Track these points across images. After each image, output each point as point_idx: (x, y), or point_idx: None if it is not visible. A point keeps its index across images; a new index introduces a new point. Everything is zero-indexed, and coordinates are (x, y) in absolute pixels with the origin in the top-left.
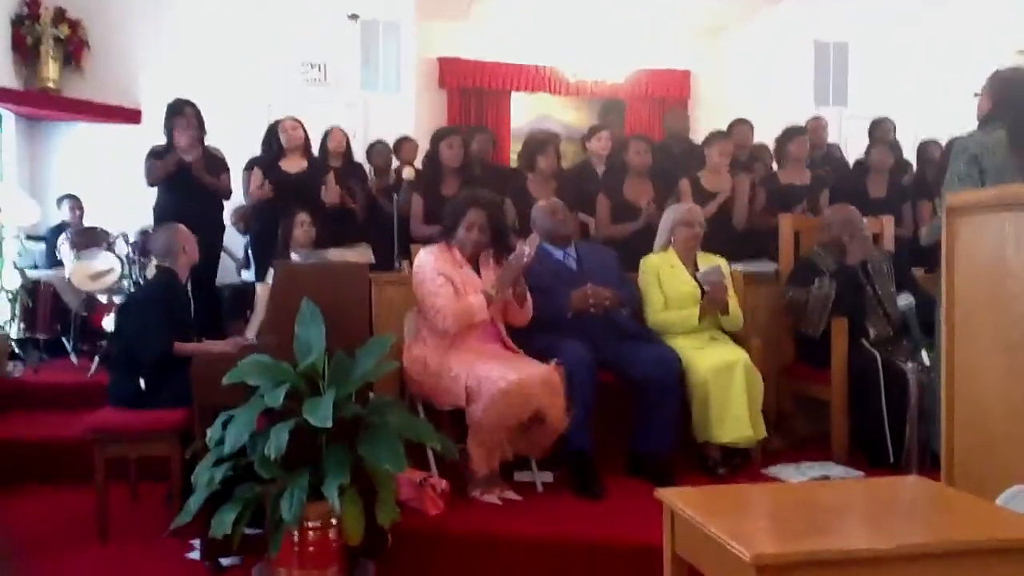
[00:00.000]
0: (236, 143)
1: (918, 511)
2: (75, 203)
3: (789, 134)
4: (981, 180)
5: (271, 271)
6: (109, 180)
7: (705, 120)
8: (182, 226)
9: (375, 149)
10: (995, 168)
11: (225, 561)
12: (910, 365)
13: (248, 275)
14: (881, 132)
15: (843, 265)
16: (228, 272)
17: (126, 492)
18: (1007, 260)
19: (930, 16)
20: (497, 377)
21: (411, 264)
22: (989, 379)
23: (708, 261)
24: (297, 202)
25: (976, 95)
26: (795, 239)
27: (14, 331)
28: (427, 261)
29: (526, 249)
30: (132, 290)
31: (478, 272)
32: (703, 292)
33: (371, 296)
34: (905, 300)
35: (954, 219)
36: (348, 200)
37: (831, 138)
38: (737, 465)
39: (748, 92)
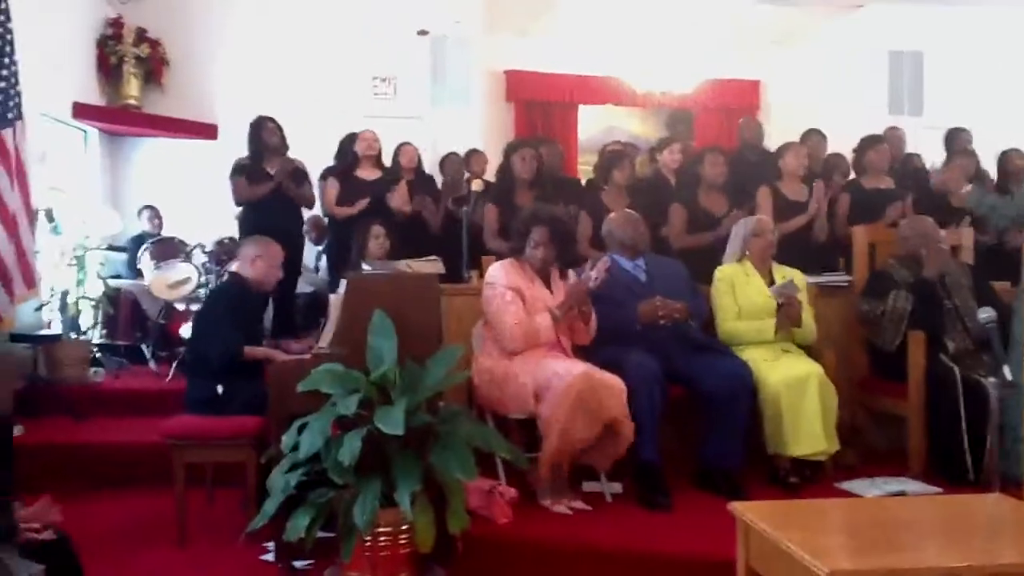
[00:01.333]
0: (306, 158)
1: (999, 529)
2: (154, 213)
3: (868, 142)
4: None
5: (343, 282)
6: (186, 193)
7: (774, 130)
8: (273, 243)
9: (447, 161)
10: None
11: (298, 564)
12: (991, 380)
13: (317, 285)
14: (959, 143)
15: (920, 278)
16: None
17: (202, 497)
18: None
19: (1007, 23)
20: (564, 372)
21: (480, 275)
22: None
23: (784, 272)
24: (372, 214)
25: None
26: (870, 251)
27: (96, 337)
28: (498, 276)
29: (592, 274)
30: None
31: (548, 286)
32: (779, 305)
33: (440, 307)
34: (986, 314)
35: None
36: (425, 205)
37: (909, 149)
38: (809, 478)
39: (819, 102)
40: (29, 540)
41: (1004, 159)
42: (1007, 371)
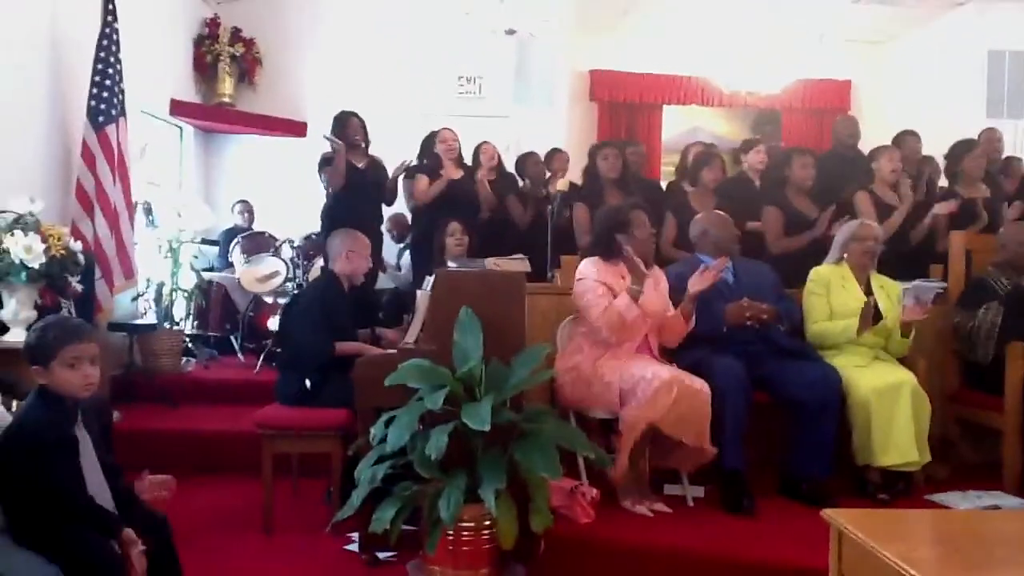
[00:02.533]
0: (393, 154)
1: None
2: (246, 207)
3: (962, 148)
4: None
5: (429, 278)
6: (276, 189)
7: (866, 131)
8: (359, 235)
9: (528, 160)
10: None
11: (382, 555)
12: None
13: (398, 281)
14: None
15: (1018, 286)
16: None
17: (288, 486)
18: None
19: None
20: (651, 376)
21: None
22: None
23: (881, 281)
24: (451, 212)
25: None
26: (967, 258)
27: (188, 328)
28: (590, 271)
29: (714, 264)
30: (295, 292)
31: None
32: (876, 313)
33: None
34: None
35: None
36: (513, 205)
37: (1008, 152)
38: (899, 491)
39: (912, 103)
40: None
41: None
42: None
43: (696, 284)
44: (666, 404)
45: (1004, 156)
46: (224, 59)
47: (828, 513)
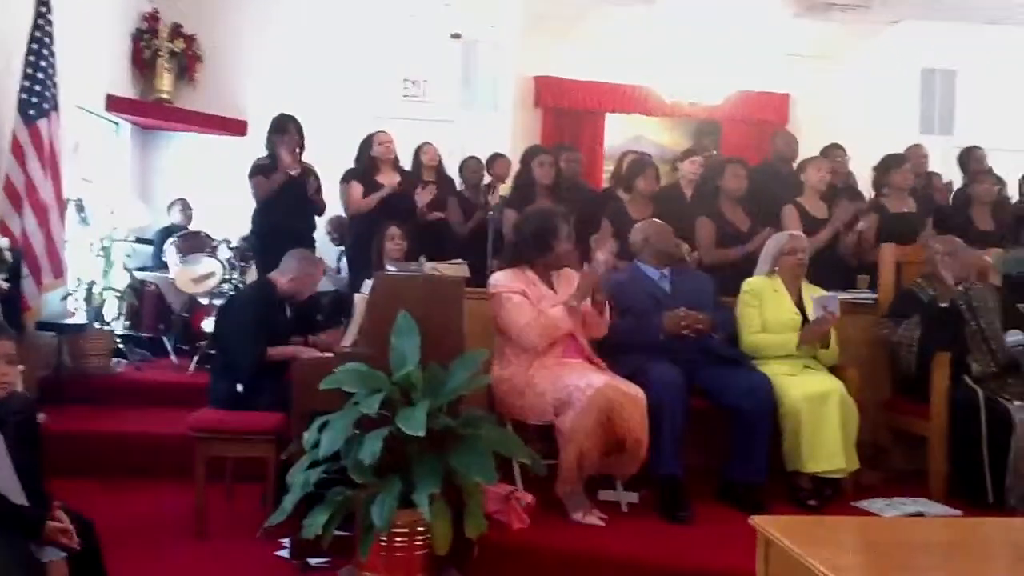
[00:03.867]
0: (337, 156)
1: (1022, 555)
2: (185, 206)
3: (892, 162)
4: None
5: (367, 281)
6: (214, 188)
7: (803, 144)
8: (319, 265)
9: (467, 165)
10: None
11: (313, 561)
12: (1016, 404)
13: (337, 284)
14: (975, 162)
15: (933, 301)
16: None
17: (221, 491)
18: None
19: None
20: (585, 385)
21: None
22: None
23: (812, 291)
24: (390, 216)
25: None
26: (896, 270)
27: (119, 329)
28: (502, 281)
29: (600, 256)
30: (232, 294)
31: (552, 288)
32: (804, 320)
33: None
34: (1015, 337)
35: None
36: (452, 211)
37: (936, 168)
38: (828, 497)
39: (848, 118)
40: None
41: None
42: None
43: (586, 276)
44: (602, 411)
45: (927, 171)
46: (163, 55)
47: (756, 520)
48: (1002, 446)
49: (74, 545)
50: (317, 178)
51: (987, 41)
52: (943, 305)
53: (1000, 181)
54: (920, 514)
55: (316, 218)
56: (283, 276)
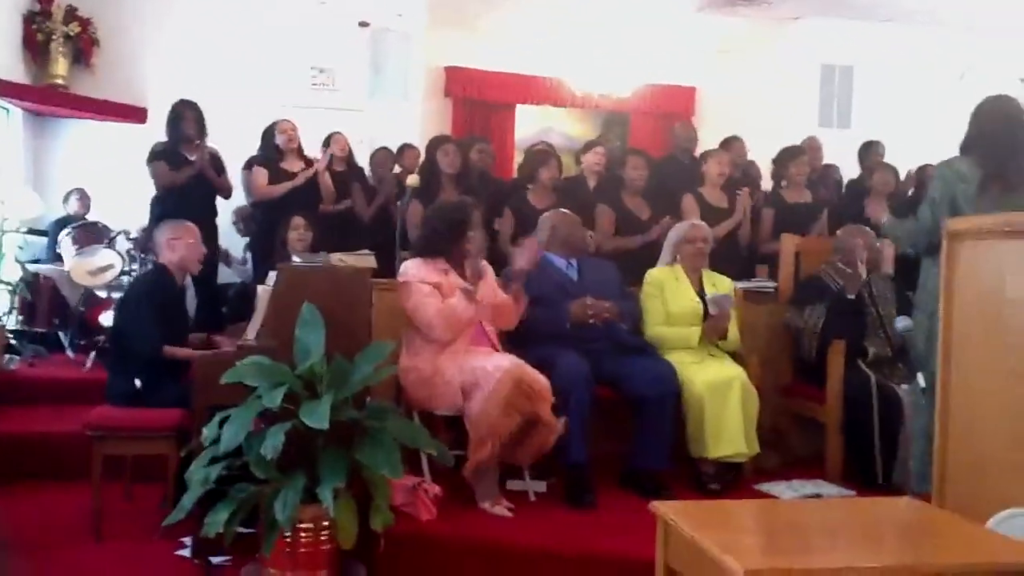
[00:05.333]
0: (243, 144)
1: (908, 532)
2: (83, 195)
3: (789, 154)
4: (952, 206)
5: (272, 273)
6: (113, 177)
7: (708, 137)
8: (186, 223)
9: (377, 156)
10: (966, 195)
11: (216, 560)
12: (904, 387)
13: (243, 275)
14: (873, 155)
15: (842, 291)
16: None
17: (120, 491)
18: (1005, 288)
19: (931, 41)
20: (492, 368)
21: None
22: (983, 404)
23: (714, 279)
24: (294, 206)
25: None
26: (796, 259)
27: (12, 324)
28: (412, 272)
29: (519, 250)
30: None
31: (463, 278)
32: (706, 312)
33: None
34: (904, 323)
35: (955, 244)
36: (355, 201)
37: (835, 159)
38: (730, 481)
39: (752, 111)
40: None
41: (922, 173)
42: (921, 378)
43: (520, 262)
44: (510, 394)
45: (824, 164)
46: (58, 38)
47: (655, 505)
48: (893, 428)
49: None
50: (223, 163)
51: (883, 39)
52: (850, 296)
53: (896, 174)
54: (818, 495)
55: (218, 207)
56: (163, 251)
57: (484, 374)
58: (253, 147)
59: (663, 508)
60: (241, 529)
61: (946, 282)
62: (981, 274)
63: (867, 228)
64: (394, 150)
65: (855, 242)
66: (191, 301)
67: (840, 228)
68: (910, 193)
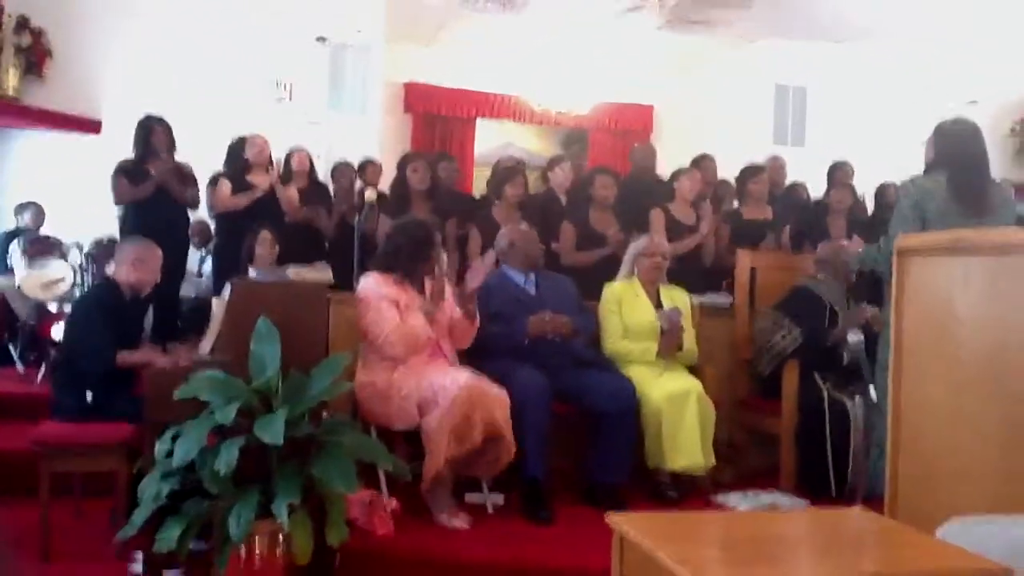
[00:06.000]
0: (198, 158)
1: (861, 542)
2: (38, 211)
3: (749, 172)
4: (923, 223)
5: (227, 286)
6: (66, 190)
7: (665, 155)
8: (154, 247)
9: (338, 170)
10: (936, 212)
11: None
12: (856, 399)
13: (198, 289)
14: (841, 175)
15: (831, 305)
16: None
17: (70, 508)
18: (954, 303)
19: (882, 62)
20: (449, 383)
21: None
22: (933, 416)
23: (671, 293)
24: (261, 219)
25: (923, 143)
26: (752, 274)
27: None
28: (370, 287)
29: (476, 264)
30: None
31: (422, 295)
32: (662, 330)
33: (329, 315)
34: (855, 338)
35: (905, 259)
36: (317, 214)
37: (790, 177)
38: (685, 492)
39: (708, 129)
40: None
41: (881, 191)
42: (872, 392)
43: (473, 281)
44: (467, 410)
45: (789, 182)
46: (8, 49)
47: (612, 518)
48: (844, 441)
49: None
50: (193, 177)
51: (834, 60)
52: (836, 308)
53: (853, 192)
54: (775, 506)
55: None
56: (119, 268)
57: (442, 390)
58: (211, 160)
59: (619, 520)
60: (195, 546)
61: (896, 297)
62: (930, 289)
63: (843, 244)
64: (355, 165)
65: (840, 260)
66: (148, 314)
67: (801, 245)
68: (871, 213)
